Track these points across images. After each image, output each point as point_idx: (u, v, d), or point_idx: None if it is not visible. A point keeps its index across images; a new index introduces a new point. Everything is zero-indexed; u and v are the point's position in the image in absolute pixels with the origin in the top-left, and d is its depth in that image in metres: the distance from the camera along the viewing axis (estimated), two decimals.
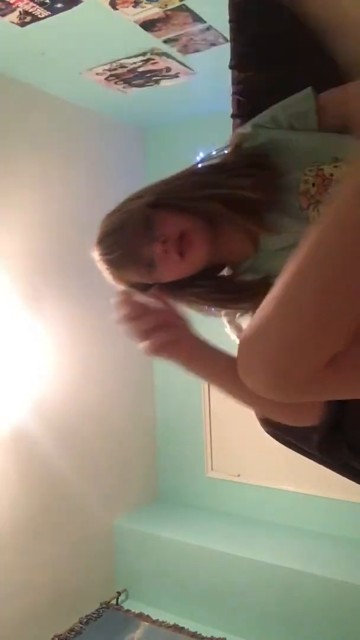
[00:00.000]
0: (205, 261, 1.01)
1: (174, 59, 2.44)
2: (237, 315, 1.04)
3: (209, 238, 1.00)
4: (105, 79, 2.64)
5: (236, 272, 1.07)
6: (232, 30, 1.13)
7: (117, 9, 2.03)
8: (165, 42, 2.29)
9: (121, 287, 1.03)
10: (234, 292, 1.04)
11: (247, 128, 1.03)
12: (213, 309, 1.07)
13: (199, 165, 1.05)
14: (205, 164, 1.06)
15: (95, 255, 1.02)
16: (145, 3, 1.99)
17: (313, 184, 0.93)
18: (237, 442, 3.08)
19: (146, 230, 0.96)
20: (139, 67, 2.51)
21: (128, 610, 2.93)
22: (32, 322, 2.60)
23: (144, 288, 1.02)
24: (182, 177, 1.05)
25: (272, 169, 0.99)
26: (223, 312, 1.07)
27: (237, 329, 1.03)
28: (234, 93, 1.15)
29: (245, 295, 1.01)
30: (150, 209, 0.98)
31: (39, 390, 2.64)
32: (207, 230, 1.00)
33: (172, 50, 2.36)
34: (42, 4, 1.97)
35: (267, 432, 1.19)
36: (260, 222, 0.99)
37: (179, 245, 0.96)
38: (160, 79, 2.66)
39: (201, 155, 3.53)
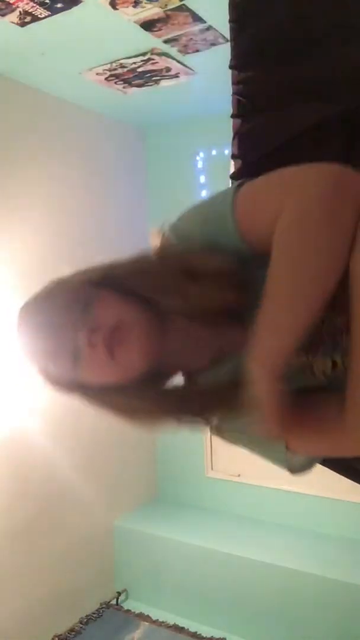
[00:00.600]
0: (143, 368, 0.78)
1: (174, 59, 2.44)
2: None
3: (155, 336, 0.77)
4: (105, 79, 2.64)
5: (193, 380, 0.86)
6: (232, 30, 1.13)
7: (117, 9, 2.03)
8: (165, 42, 2.28)
9: (39, 374, 0.82)
10: (189, 401, 0.82)
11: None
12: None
13: (159, 253, 0.82)
14: (167, 252, 0.81)
15: (16, 322, 0.82)
16: (145, 3, 1.99)
17: None
18: None
19: (79, 310, 0.75)
20: (139, 67, 2.50)
21: (128, 610, 2.93)
22: None
23: (64, 384, 0.81)
24: (145, 257, 0.82)
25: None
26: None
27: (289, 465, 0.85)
28: (234, 93, 1.14)
29: (208, 403, 0.81)
30: (91, 286, 0.77)
31: (39, 390, 2.63)
32: (155, 325, 0.77)
33: (172, 50, 2.36)
34: (42, 4, 1.97)
35: None
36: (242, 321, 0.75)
37: (111, 339, 0.74)
38: (160, 79, 2.66)
39: (201, 155, 3.50)
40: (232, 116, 1.15)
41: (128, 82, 2.69)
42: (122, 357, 0.74)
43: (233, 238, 0.75)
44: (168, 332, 0.79)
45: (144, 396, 0.81)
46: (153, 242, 0.86)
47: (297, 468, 0.85)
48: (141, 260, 0.81)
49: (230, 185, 1.16)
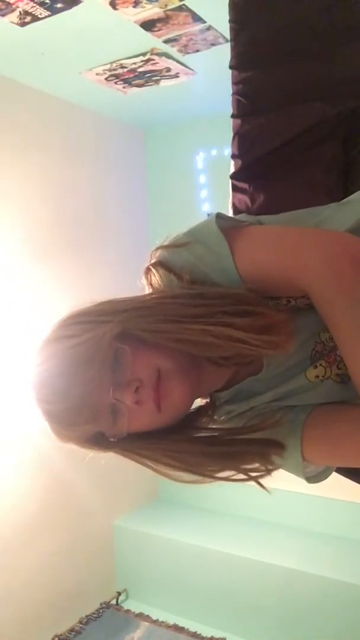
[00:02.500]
0: (188, 410, 0.81)
1: (174, 59, 2.44)
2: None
3: (194, 378, 0.78)
4: (105, 79, 2.64)
5: (212, 411, 0.87)
6: (232, 30, 1.13)
7: (117, 9, 2.03)
8: (165, 42, 2.28)
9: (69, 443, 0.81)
10: (224, 444, 0.81)
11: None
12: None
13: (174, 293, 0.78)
14: (182, 291, 0.77)
15: (34, 401, 0.78)
16: (145, 3, 1.99)
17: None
18: None
19: (110, 370, 0.73)
20: (139, 67, 2.50)
21: (128, 610, 2.93)
22: (31, 323, 2.60)
23: (99, 444, 0.80)
24: (157, 302, 0.78)
25: None
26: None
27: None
28: (234, 93, 1.14)
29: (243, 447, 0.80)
30: (117, 342, 0.73)
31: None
32: (191, 367, 0.77)
33: (172, 50, 2.36)
34: (42, 4, 1.97)
35: None
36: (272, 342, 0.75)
37: (156, 391, 0.73)
38: (160, 79, 2.66)
39: (201, 155, 3.49)
40: (232, 116, 1.15)
41: (128, 82, 2.69)
42: (169, 406, 0.74)
43: (230, 276, 0.76)
44: (199, 371, 0.79)
45: (180, 437, 0.81)
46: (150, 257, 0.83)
47: (313, 477, 0.87)
48: (164, 313, 0.76)
49: (230, 186, 1.16)
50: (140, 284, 0.84)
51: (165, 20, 2.11)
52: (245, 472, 0.78)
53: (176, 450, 0.79)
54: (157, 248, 0.81)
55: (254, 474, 0.79)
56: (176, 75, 2.62)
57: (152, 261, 0.81)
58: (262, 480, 0.81)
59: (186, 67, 2.52)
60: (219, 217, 0.80)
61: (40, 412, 0.78)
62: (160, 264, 0.79)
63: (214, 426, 0.87)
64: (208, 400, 0.88)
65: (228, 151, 1.40)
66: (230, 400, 0.87)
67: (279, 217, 0.89)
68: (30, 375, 0.78)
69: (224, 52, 1.28)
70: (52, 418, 0.77)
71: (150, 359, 0.74)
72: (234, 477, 0.79)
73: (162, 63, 2.48)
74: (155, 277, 0.81)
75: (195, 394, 0.80)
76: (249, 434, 0.81)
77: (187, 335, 0.73)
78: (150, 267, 0.81)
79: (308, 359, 0.84)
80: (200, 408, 0.87)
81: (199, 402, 0.88)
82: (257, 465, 0.79)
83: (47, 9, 2.00)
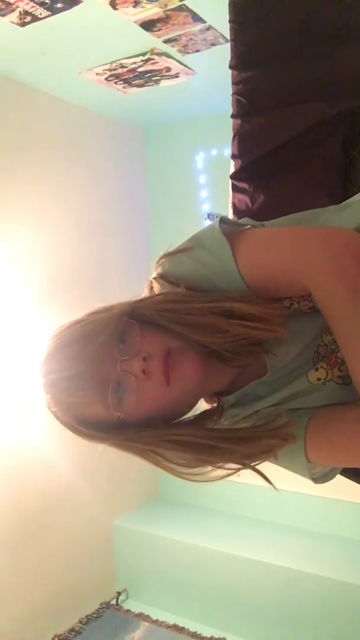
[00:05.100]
0: (194, 392, 0.81)
1: (174, 59, 2.44)
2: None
3: (203, 361, 0.77)
4: (105, 79, 2.64)
5: (219, 415, 0.87)
6: (232, 30, 1.13)
7: (117, 9, 2.03)
8: (165, 42, 2.28)
9: (69, 427, 0.80)
10: (231, 440, 0.80)
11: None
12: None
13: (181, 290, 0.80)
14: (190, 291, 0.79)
15: (40, 376, 0.78)
16: (145, 3, 1.99)
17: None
18: None
19: (119, 343, 0.74)
20: (139, 67, 2.50)
21: (128, 610, 2.93)
22: (32, 327, 2.60)
23: (102, 428, 0.78)
24: (165, 295, 0.81)
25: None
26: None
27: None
28: (234, 93, 1.14)
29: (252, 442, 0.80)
30: (126, 318, 0.75)
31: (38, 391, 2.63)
32: (200, 351, 0.77)
33: (172, 50, 2.36)
34: (42, 4, 1.97)
35: None
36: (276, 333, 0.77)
37: (165, 364, 0.74)
38: (160, 79, 2.66)
39: (201, 155, 3.48)
40: (232, 116, 1.15)
41: (128, 82, 2.69)
42: (179, 381, 0.74)
43: (233, 279, 0.77)
44: (206, 364, 0.79)
45: (198, 427, 0.81)
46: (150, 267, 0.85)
47: (320, 478, 0.87)
48: (172, 298, 0.79)
49: (230, 186, 1.16)
50: (140, 289, 0.85)
51: (165, 20, 2.11)
52: (252, 460, 0.80)
53: (183, 434, 0.77)
54: (160, 257, 0.81)
55: (258, 461, 0.80)
56: (176, 75, 2.62)
57: (154, 275, 0.82)
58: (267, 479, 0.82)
59: (186, 67, 2.52)
60: (223, 221, 0.80)
61: (45, 387, 0.78)
62: (161, 277, 0.80)
63: (220, 427, 0.87)
64: (214, 404, 0.88)
65: (228, 151, 1.40)
66: (235, 404, 0.87)
67: (279, 220, 0.89)
68: (39, 356, 0.78)
69: (224, 52, 1.28)
70: (57, 388, 0.76)
71: (159, 337, 0.75)
72: (238, 468, 0.80)
73: (162, 63, 2.48)
74: (158, 289, 0.82)
75: (203, 379, 0.78)
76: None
77: (192, 316, 0.75)
78: (152, 280, 0.82)
79: (311, 361, 0.84)
80: (206, 412, 0.87)
81: (205, 406, 0.89)
82: (265, 452, 0.80)
83: (47, 9, 2.00)
